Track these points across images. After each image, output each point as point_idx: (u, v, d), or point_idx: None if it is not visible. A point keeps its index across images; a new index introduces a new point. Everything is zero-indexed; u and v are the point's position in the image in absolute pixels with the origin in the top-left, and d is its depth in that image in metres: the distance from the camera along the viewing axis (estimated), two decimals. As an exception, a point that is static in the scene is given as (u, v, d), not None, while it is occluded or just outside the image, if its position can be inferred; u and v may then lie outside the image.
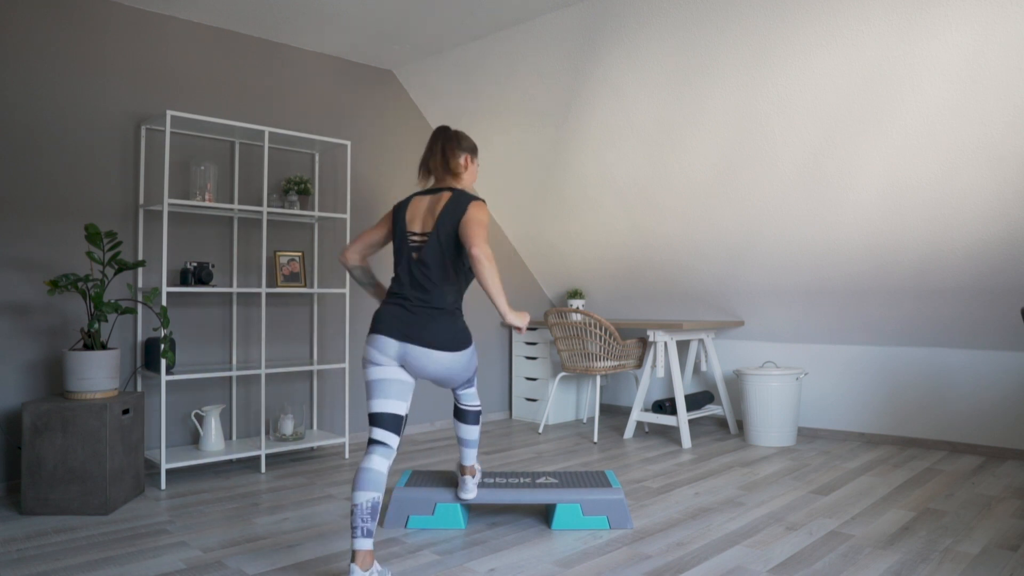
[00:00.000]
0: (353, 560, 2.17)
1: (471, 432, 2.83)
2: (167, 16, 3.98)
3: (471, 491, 2.92)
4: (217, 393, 4.14)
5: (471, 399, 2.80)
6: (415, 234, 2.45)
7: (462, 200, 2.43)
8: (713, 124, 4.07)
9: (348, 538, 2.79)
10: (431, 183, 2.59)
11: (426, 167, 2.55)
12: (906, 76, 3.37)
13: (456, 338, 2.40)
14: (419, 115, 5.13)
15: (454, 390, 2.74)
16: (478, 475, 2.99)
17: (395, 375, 2.37)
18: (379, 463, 2.26)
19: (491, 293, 2.32)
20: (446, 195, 2.46)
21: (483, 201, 2.53)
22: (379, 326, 2.37)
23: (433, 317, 2.37)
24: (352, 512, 2.20)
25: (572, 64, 4.22)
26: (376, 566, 2.22)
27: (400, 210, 2.51)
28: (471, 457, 2.89)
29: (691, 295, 5.17)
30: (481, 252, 2.30)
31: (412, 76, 4.94)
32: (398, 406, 2.34)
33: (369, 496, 2.20)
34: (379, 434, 2.32)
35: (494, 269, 2.30)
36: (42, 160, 3.57)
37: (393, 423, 2.33)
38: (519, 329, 2.49)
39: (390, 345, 2.34)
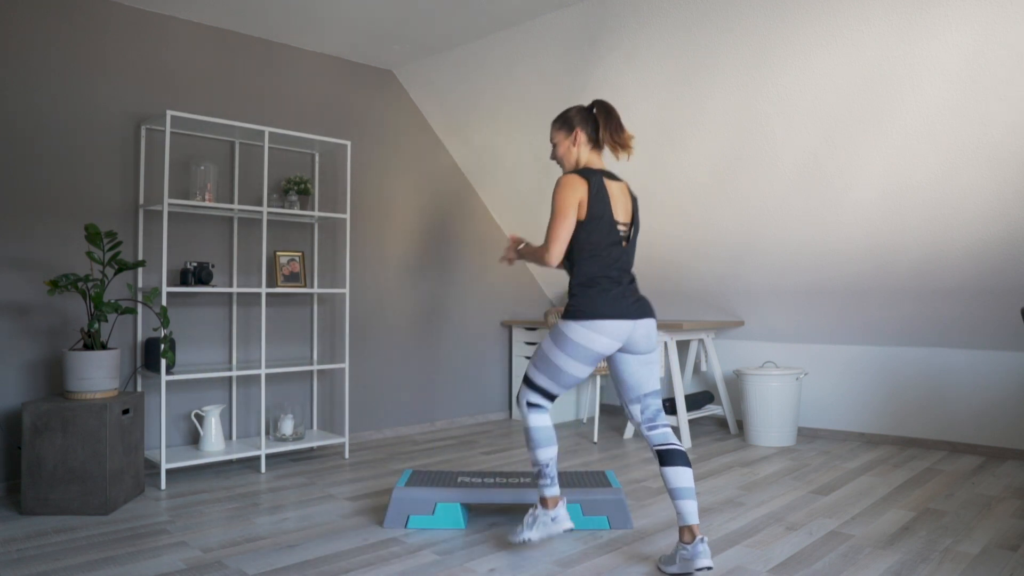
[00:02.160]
0: (547, 506, 2.54)
1: (687, 477, 2.41)
2: (167, 16, 3.98)
3: (706, 558, 2.31)
4: (217, 393, 4.14)
5: (671, 436, 2.50)
6: (620, 223, 2.54)
7: (635, 197, 2.66)
8: (713, 124, 4.07)
9: (348, 538, 2.79)
10: (591, 160, 2.59)
11: (599, 140, 2.58)
12: (906, 76, 3.37)
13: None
14: (419, 115, 5.13)
15: (649, 425, 2.53)
16: (705, 540, 2.38)
17: (588, 373, 2.55)
18: (549, 420, 2.59)
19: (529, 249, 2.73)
20: (626, 187, 2.63)
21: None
22: (616, 310, 2.46)
23: (643, 296, 2.59)
24: (545, 466, 2.53)
25: (572, 64, 4.22)
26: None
27: (603, 195, 2.48)
28: (694, 512, 2.38)
29: (691, 295, 5.17)
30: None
31: (412, 76, 4.94)
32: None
33: (555, 450, 2.56)
34: (547, 403, 2.58)
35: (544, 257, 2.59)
36: (42, 160, 3.58)
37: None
38: (508, 251, 2.82)
39: (624, 328, 2.47)
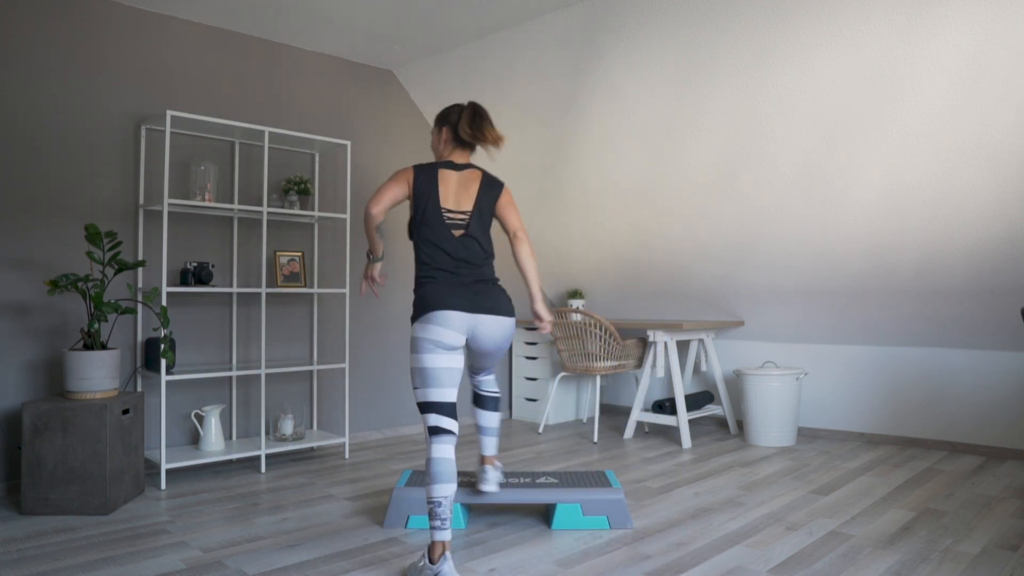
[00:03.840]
0: (438, 552, 2.26)
1: (492, 419, 2.90)
2: (167, 16, 3.98)
3: (491, 483, 2.84)
4: (217, 393, 4.14)
5: (492, 385, 2.90)
6: (451, 211, 2.51)
7: (496, 182, 2.62)
8: (713, 124, 4.07)
9: (348, 538, 2.79)
10: (454, 155, 2.61)
11: (462, 140, 2.59)
12: (906, 76, 3.37)
13: (511, 305, 2.59)
14: (419, 115, 5.13)
15: (476, 376, 2.88)
16: (499, 468, 2.96)
17: (455, 363, 2.44)
18: (452, 452, 2.38)
19: (531, 277, 2.62)
20: (477, 173, 2.59)
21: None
22: (445, 301, 2.42)
23: (491, 288, 2.53)
24: (437, 505, 2.29)
25: (572, 64, 4.22)
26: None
27: (430, 183, 2.51)
28: (492, 446, 2.90)
29: (691, 295, 5.17)
30: (526, 236, 2.62)
31: (412, 76, 4.94)
32: (454, 393, 2.45)
33: (452, 489, 2.32)
34: (447, 423, 2.40)
35: (532, 251, 2.64)
36: (42, 160, 3.58)
37: (454, 410, 2.44)
38: (543, 323, 2.66)
39: (460, 319, 2.42)
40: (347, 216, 4.27)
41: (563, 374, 5.15)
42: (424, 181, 2.52)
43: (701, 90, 3.95)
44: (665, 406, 4.78)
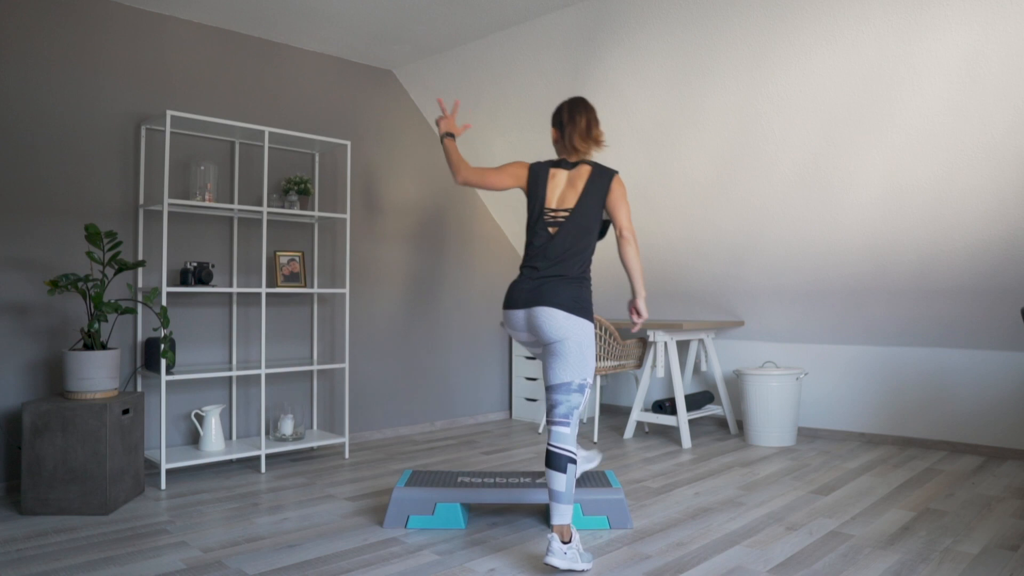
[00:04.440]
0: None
1: (556, 481, 2.42)
2: (167, 16, 3.98)
3: (554, 555, 2.36)
4: (217, 393, 4.14)
5: (560, 438, 2.45)
6: (554, 211, 2.60)
7: (605, 174, 2.61)
8: (713, 124, 4.07)
9: (348, 538, 2.80)
10: (566, 153, 2.68)
11: (570, 140, 2.65)
12: (906, 76, 3.37)
13: (577, 301, 2.51)
14: (419, 115, 5.13)
15: (550, 418, 2.50)
16: (575, 540, 2.43)
17: (535, 343, 2.64)
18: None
19: (634, 275, 2.62)
20: (586, 169, 2.62)
21: (619, 173, 2.67)
22: (509, 299, 2.61)
23: (558, 283, 2.53)
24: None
25: (572, 64, 4.22)
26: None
27: (540, 184, 2.64)
28: (556, 514, 2.42)
29: (691, 295, 5.17)
30: (630, 233, 2.59)
31: (412, 76, 4.94)
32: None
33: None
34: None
35: (638, 250, 2.60)
36: (42, 160, 3.58)
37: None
38: (639, 319, 2.67)
39: (518, 317, 2.58)
40: (347, 216, 4.27)
41: (563, 374, 5.14)
42: (534, 181, 2.66)
43: (701, 90, 3.95)
44: (665, 406, 4.78)
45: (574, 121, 2.64)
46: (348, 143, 4.26)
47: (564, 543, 2.39)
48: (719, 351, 5.33)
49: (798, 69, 3.61)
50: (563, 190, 2.61)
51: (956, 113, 3.37)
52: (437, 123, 2.87)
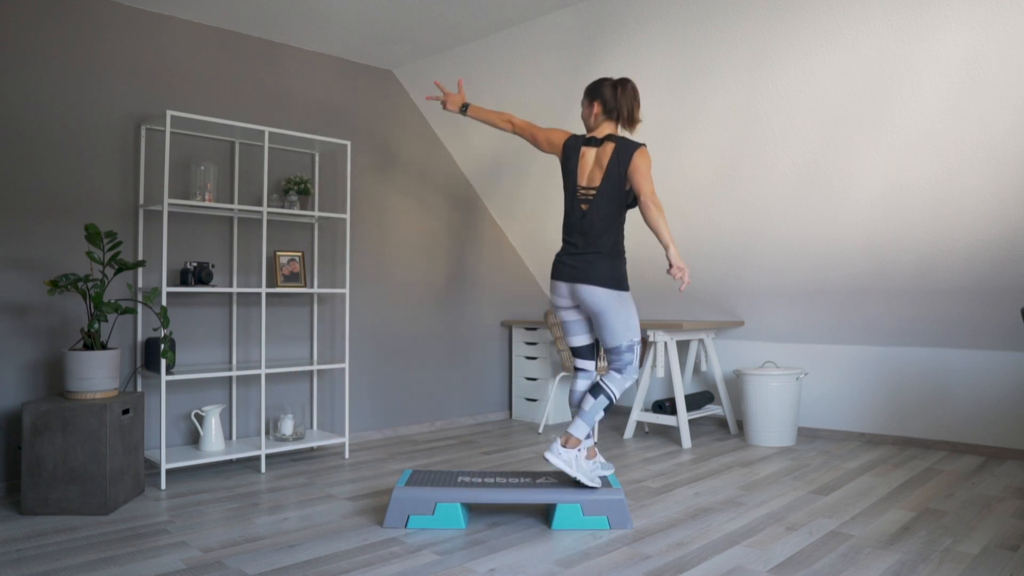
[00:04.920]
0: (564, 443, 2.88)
1: (587, 402, 2.92)
2: (167, 16, 3.98)
3: (551, 452, 2.87)
4: (217, 393, 4.14)
5: (608, 378, 2.91)
6: (584, 188, 2.83)
7: (627, 147, 2.78)
8: (713, 124, 4.07)
9: (348, 538, 2.80)
10: (601, 127, 2.90)
11: (615, 113, 2.88)
12: (906, 76, 3.37)
13: (613, 276, 2.82)
14: (419, 115, 5.13)
15: (608, 354, 2.91)
16: (588, 459, 2.95)
17: (574, 316, 2.97)
18: (582, 384, 3.03)
19: (660, 233, 2.71)
20: (610, 146, 2.82)
21: (645, 146, 2.82)
22: (555, 271, 2.92)
23: (593, 259, 2.80)
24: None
25: (572, 64, 4.22)
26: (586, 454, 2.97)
27: (573, 160, 2.87)
28: (576, 427, 2.90)
29: (691, 295, 5.17)
30: (650, 199, 2.73)
31: (412, 76, 4.94)
32: (583, 339, 3.00)
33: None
34: (580, 363, 3.04)
35: (662, 214, 2.71)
36: (42, 160, 3.58)
37: (587, 352, 3.02)
38: (682, 274, 2.74)
39: (563, 288, 2.91)
40: (347, 216, 4.27)
41: (563, 374, 5.14)
42: (567, 156, 2.90)
43: (701, 90, 3.95)
44: (665, 406, 4.78)
45: (618, 102, 2.85)
46: (348, 143, 4.26)
47: (564, 447, 2.86)
48: (719, 351, 5.33)
49: (798, 69, 3.61)
50: (591, 168, 2.80)
51: (956, 113, 3.37)
52: (444, 106, 3.01)
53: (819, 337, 4.83)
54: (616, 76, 4.13)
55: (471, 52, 4.50)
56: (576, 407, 3.00)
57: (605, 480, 3.09)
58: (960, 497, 3.36)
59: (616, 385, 2.92)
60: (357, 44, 4.46)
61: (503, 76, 4.54)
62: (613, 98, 2.86)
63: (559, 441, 2.88)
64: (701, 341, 5.07)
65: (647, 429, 5.17)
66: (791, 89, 3.69)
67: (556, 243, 5.46)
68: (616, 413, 5.85)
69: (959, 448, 4.36)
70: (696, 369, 5.44)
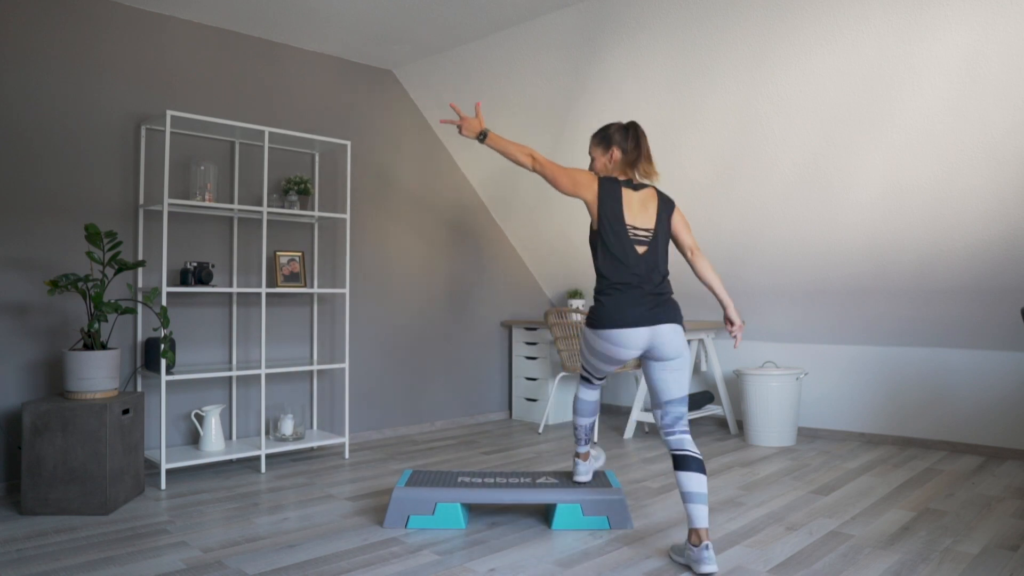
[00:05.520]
0: (580, 457, 3.02)
1: (699, 483, 2.47)
2: (167, 16, 3.98)
3: (708, 564, 2.40)
4: (217, 393, 4.14)
5: (689, 444, 2.54)
6: (636, 228, 2.62)
7: (669, 200, 2.71)
8: (713, 124, 4.07)
9: (348, 538, 2.80)
10: (623, 174, 2.69)
11: (630, 160, 2.67)
12: (906, 76, 3.37)
13: (682, 316, 2.82)
14: (419, 115, 5.13)
15: (666, 427, 2.59)
16: (707, 548, 2.44)
17: (634, 354, 2.63)
18: (594, 395, 2.91)
19: (718, 286, 2.72)
20: (653, 193, 2.69)
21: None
22: (627, 317, 2.55)
23: (668, 301, 2.62)
24: (576, 429, 2.97)
25: (572, 64, 4.22)
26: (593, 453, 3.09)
27: (614, 198, 2.61)
28: (702, 516, 2.45)
29: (691, 295, 5.17)
30: (700, 253, 2.75)
31: (412, 76, 4.94)
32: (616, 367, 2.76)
33: (590, 420, 2.95)
34: (596, 380, 2.88)
35: (713, 267, 2.76)
36: (42, 160, 3.58)
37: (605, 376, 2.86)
38: (736, 329, 2.72)
39: (638, 336, 2.55)
40: (347, 216, 4.27)
41: (563, 374, 5.15)
42: (608, 196, 2.61)
43: (701, 90, 3.95)
44: (665, 406, 4.77)
45: (640, 147, 2.66)
46: (348, 143, 4.26)
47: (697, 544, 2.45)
48: (719, 351, 5.33)
49: (798, 69, 3.61)
50: (636, 210, 2.63)
51: (956, 113, 3.37)
52: (460, 131, 2.75)
53: (819, 337, 4.83)
54: (613, 78, 4.13)
55: (471, 52, 4.50)
56: (583, 415, 2.90)
57: (605, 479, 3.09)
58: (960, 497, 3.36)
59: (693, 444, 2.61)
60: (357, 44, 4.46)
61: (503, 76, 4.54)
62: (629, 141, 2.67)
63: (711, 547, 2.45)
64: (701, 341, 5.07)
65: (647, 429, 5.17)
66: (791, 89, 3.69)
67: (556, 243, 5.46)
68: (616, 413, 5.85)
69: (959, 448, 4.36)
70: (696, 369, 5.44)
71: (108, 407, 3.14)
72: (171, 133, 3.98)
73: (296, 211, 4.09)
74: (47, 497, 3.10)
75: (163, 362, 3.54)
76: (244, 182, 4.25)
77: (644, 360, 2.63)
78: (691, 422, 5.42)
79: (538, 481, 3.04)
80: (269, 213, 4.11)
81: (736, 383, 5.24)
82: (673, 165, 4.39)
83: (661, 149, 4.36)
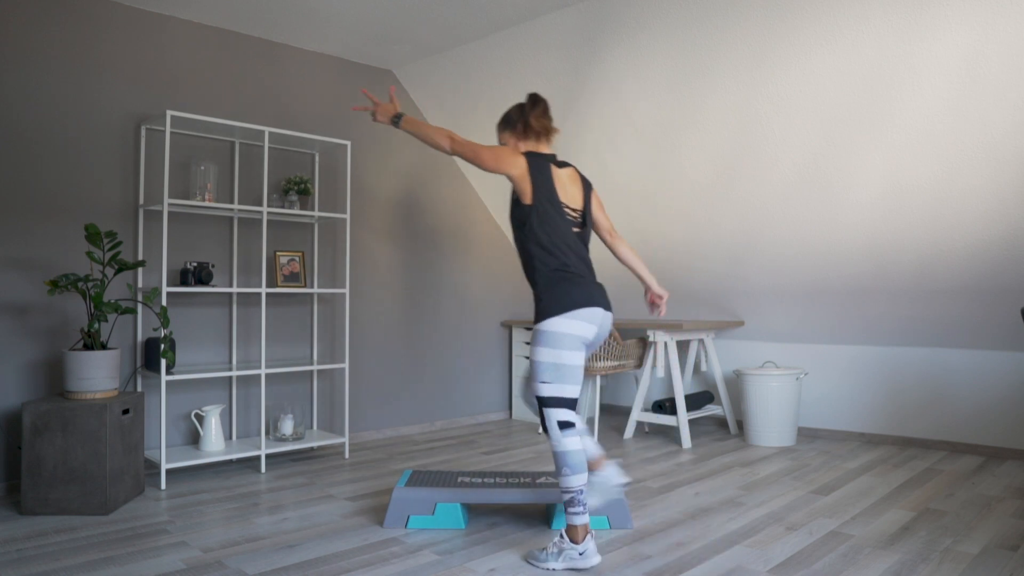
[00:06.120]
0: (581, 535, 2.42)
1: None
2: (167, 16, 3.98)
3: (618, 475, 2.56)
4: (217, 393, 4.14)
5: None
6: (568, 208, 2.54)
7: (588, 182, 2.67)
8: (713, 124, 4.07)
9: (348, 538, 2.80)
10: (535, 146, 2.61)
11: (535, 131, 2.58)
12: (906, 76, 3.37)
13: None
14: (419, 115, 5.13)
15: (579, 397, 2.67)
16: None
17: (583, 360, 2.48)
18: (580, 444, 2.45)
19: (640, 266, 2.71)
20: (576, 173, 2.65)
21: None
22: (593, 298, 2.45)
23: (601, 286, 2.54)
24: (579, 493, 2.41)
25: (572, 64, 4.22)
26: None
27: (546, 175, 2.50)
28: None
29: (691, 295, 5.17)
30: (618, 234, 2.68)
31: (412, 76, 4.94)
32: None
33: (586, 477, 2.45)
34: (575, 417, 2.45)
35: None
36: (42, 160, 3.58)
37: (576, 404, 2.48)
38: (661, 302, 2.68)
39: (601, 315, 2.48)
40: (347, 216, 4.27)
41: (563, 374, 5.14)
42: (539, 171, 2.50)
43: (701, 90, 3.95)
44: (665, 406, 4.78)
45: (546, 115, 2.60)
46: (348, 143, 4.26)
47: None
48: (719, 351, 5.33)
49: (798, 69, 3.61)
50: (566, 188, 2.56)
51: (956, 113, 3.37)
52: (374, 117, 2.61)
53: (819, 337, 4.83)
54: (613, 78, 4.13)
55: (471, 52, 4.50)
56: (577, 469, 2.45)
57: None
58: (960, 497, 3.36)
59: None
60: (357, 44, 4.46)
61: (503, 76, 4.54)
62: (534, 112, 2.60)
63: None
64: (701, 341, 5.07)
65: (647, 429, 5.17)
66: (791, 89, 3.69)
67: (556, 243, 5.46)
68: (616, 413, 5.85)
69: (959, 448, 4.36)
70: (696, 369, 5.44)
71: (108, 407, 3.14)
72: (171, 133, 3.98)
73: (296, 211, 4.09)
74: (47, 497, 3.10)
75: (163, 362, 3.54)
76: (244, 182, 4.25)
77: None
78: (691, 422, 5.42)
79: (538, 481, 3.04)
80: (269, 213, 4.11)
81: (736, 383, 5.24)
82: (673, 165, 4.39)
83: (661, 149, 4.36)
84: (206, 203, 3.76)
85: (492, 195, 5.44)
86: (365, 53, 4.62)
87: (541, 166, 2.52)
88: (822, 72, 3.56)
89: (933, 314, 4.25)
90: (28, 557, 2.60)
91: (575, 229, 2.53)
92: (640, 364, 5.01)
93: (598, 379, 4.90)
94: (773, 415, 4.53)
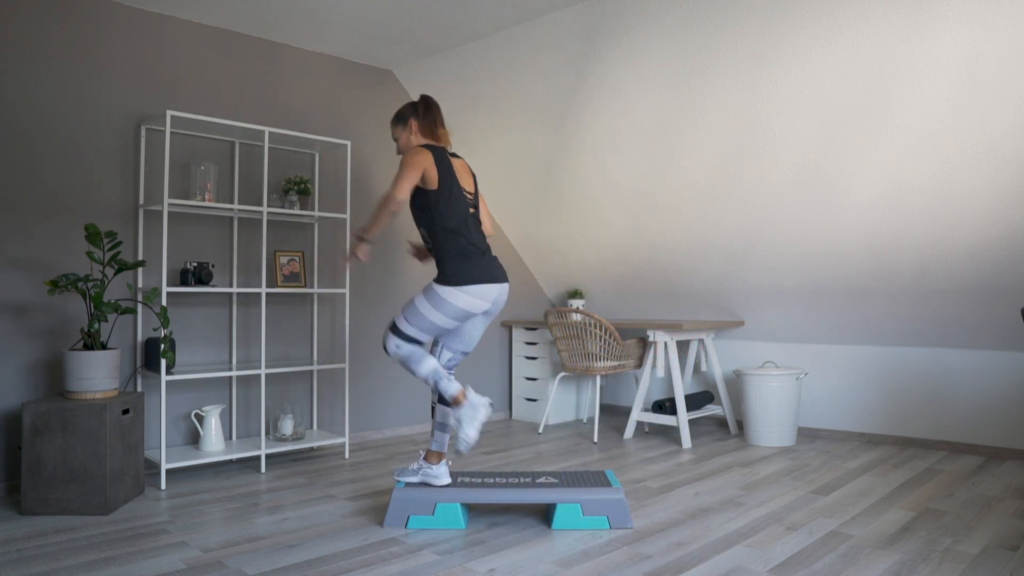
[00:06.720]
0: (440, 460, 2.98)
1: (443, 413, 3.05)
2: (167, 16, 3.98)
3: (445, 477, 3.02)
4: (217, 393, 4.14)
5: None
6: (467, 192, 2.89)
7: (472, 170, 3.06)
8: (713, 124, 4.07)
9: (348, 538, 2.80)
10: (432, 141, 2.96)
11: (433, 130, 2.95)
12: (906, 76, 3.38)
13: None
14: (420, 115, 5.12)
15: (454, 360, 3.00)
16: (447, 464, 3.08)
17: (454, 325, 2.85)
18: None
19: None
20: (465, 163, 2.99)
21: None
22: (494, 274, 2.83)
23: (496, 259, 2.91)
24: (433, 372, 2.82)
25: (572, 64, 4.22)
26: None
27: (446, 163, 2.83)
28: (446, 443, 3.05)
29: (691, 295, 5.17)
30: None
31: (412, 76, 4.94)
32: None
33: (434, 362, 2.84)
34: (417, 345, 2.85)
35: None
36: (42, 160, 3.58)
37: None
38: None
39: (501, 290, 2.85)
40: (347, 216, 4.27)
41: (563, 374, 5.15)
42: (441, 160, 2.82)
43: (701, 90, 3.95)
44: (665, 406, 4.78)
45: (431, 111, 2.95)
46: (348, 143, 4.26)
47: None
48: (719, 351, 5.33)
49: (798, 69, 3.61)
50: (462, 175, 2.89)
51: (956, 113, 3.37)
52: (358, 258, 2.83)
53: (819, 337, 4.83)
54: (613, 78, 4.13)
55: (471, 52, 4.50)
56: (422, 362, 2.84)
57: (605, 479, 3.08)
58: (960, 497, 3.36)
59: None
60: (357, 44, 4.46)
61: (503, 76, 4.54)
62: (420, 110, 2.95)
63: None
64: (701, 341, 5.07)
65: (647, 429, 5.17)
66: (791, 89, 3.70)
67: (555, 242, 5.47)
68: (616, 413, 5.85)
69: (959, 448, 4.36)
70: (696, 369, 5.44)
71: (108, 407, 3.14)
72: (171, 133, 3.98)
73: (296, 211, 4.09)
74: (47, 497, 3.10)
75: (163, 362, 3.54)
76: (244, 182, 4.25)
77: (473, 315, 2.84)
78: (691, 422, 5.42)
79: (538, 481, 3.04)
80: (269, 213, 4.11)
81: (736, 383, 5.24)
82: (673, 165, 4.39)
83: (661, 149, 4.36)
84: (206, 203, 3.76)
85: (491, 194, 5.45)
86: (365, 53, 4.62)
87: (442, 156, 2.84)
88: (822, 72, 3.56)
89: (933, 314, 4.25)
90: (28, 557, 2.60)
91: (471, 210, 2.88)
92: (640, 364, 5.01)
93: (598, 379, 4.90)
94: (773, 415, 4.53)
